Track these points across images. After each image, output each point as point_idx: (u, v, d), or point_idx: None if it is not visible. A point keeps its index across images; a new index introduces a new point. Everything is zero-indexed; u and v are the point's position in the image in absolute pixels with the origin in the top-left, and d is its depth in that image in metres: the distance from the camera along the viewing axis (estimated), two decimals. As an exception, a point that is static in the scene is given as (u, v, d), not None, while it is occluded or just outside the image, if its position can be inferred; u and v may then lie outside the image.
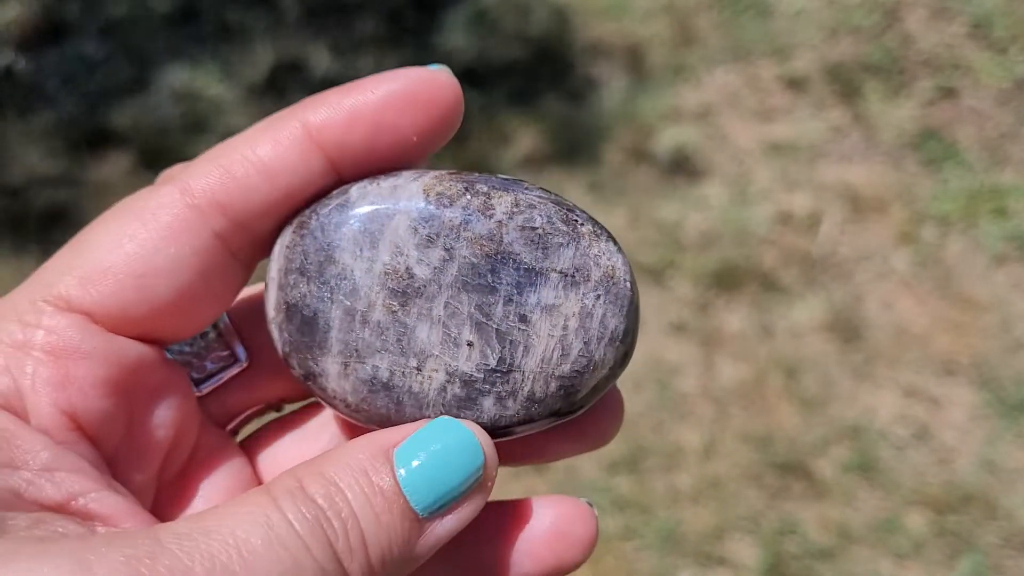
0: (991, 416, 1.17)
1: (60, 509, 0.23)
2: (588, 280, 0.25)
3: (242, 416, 0.30)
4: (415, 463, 0.23)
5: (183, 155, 1.41)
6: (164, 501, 0.27)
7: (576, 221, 0.26)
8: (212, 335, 0.29)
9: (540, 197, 0.26)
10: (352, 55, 1.55)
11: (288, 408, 0.31)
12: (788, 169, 1.41)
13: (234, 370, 0.29)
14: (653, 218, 1.35)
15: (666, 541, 1.08)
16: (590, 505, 0.28)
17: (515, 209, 0.25)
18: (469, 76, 1.53)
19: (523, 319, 0.25)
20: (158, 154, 1.41)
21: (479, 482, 0.24)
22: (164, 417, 0.26)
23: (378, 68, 1.54)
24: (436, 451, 0.24)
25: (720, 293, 1.28)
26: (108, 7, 1.57)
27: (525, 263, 0.25)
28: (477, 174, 0.26)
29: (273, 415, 0.31)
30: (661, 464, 1.13)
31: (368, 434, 0.25)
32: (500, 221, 0.25)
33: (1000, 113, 1.47)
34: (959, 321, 1.25)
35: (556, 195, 0.26)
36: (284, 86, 1.51)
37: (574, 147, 1.44)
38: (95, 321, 0.25)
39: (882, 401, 1.18)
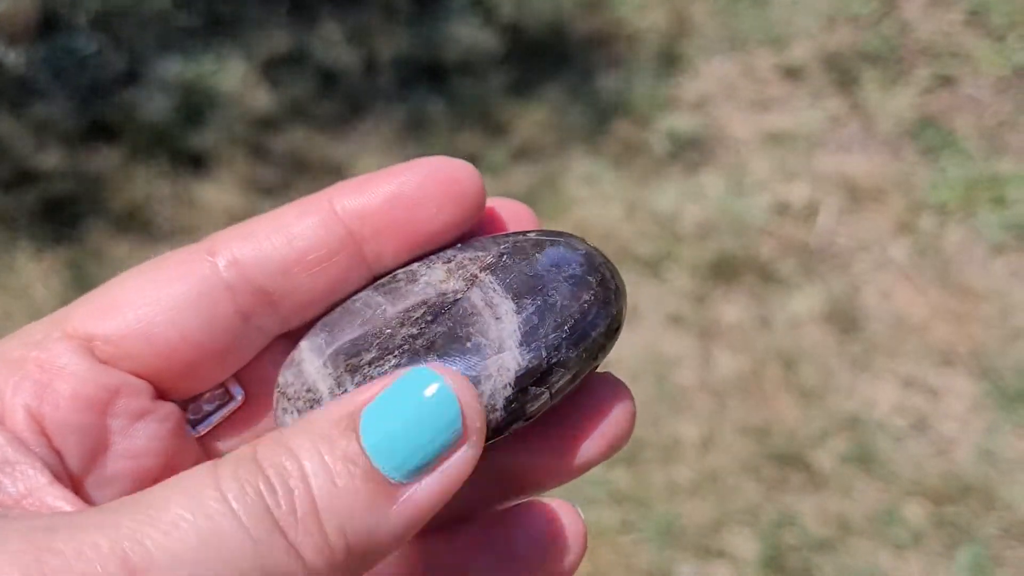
0: (990, 406, 1.17)
1: (16, 504, 0.22)
2: None
3: None
4: (383, 422, 0.21)
5: (177, 148, 1.41)
6: None
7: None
8: None
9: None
10: (348, 46, 1.54)
11: None
12: (786, 159, 1.40)
13: (230, 407, 0.28)
14: (650, 209, 1.34)
15: (665, 534, 1.07)
16: (577, 510, 0.27)
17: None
18: (464, 66, 1.52)
19: None
20: (152, 147, 1.41)
21: (458, 434, 0.22)
22: (146, 447, 0.25)
23: (374, 59, 1.53)
24: (405, 405, 0.21)
25: (718, 284, 1.27)
26: (98, 1, 1.55)
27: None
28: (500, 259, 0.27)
29: None
30: (659, 457, 1.13)
31: (338, 398, 0.23)
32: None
33: (998, 101, 1.46)
34: (958, 311, 1.25)
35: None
36: (278, 78, 1.50)
37: (570, 138, 1.43)
38: (94, 352, 0.25)
39: (881, 392, 1.18)
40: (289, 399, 0.26)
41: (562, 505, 0.26)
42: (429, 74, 1.51)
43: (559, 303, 0.25)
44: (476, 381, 0.24)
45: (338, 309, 0.27)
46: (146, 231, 1.33)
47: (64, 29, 1.53)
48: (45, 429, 0.24)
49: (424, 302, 0.26)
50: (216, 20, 1.55)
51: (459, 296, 0.25)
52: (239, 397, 0.28)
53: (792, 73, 1.50)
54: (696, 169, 1.39)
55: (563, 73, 1.52)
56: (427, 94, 1.48)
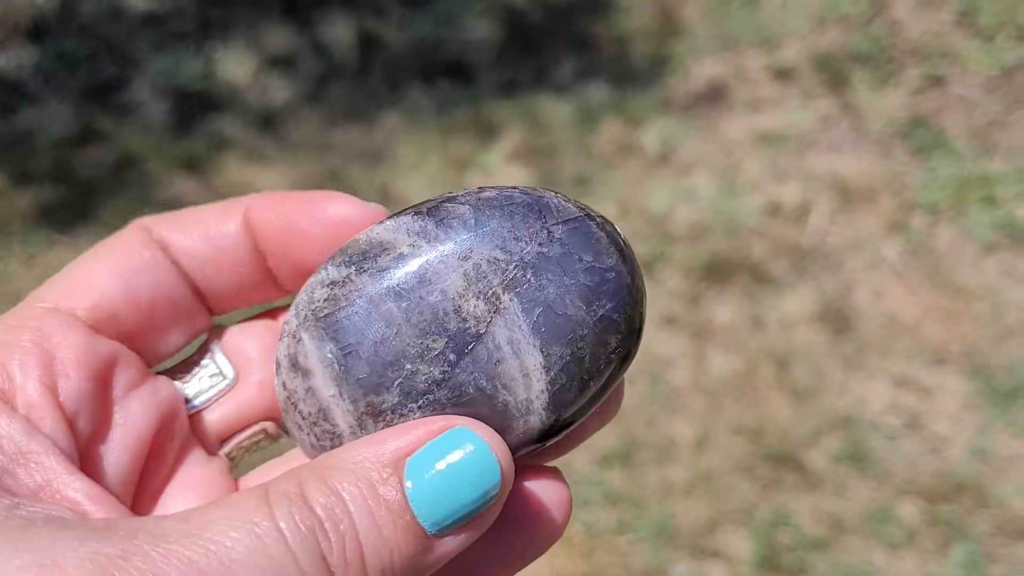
0: (982, 405, 1.17)
1: (34, 495, 0.23)
2: None
3: (237, 440, 0.30)
4: (427, 476, 0.22)
5: (167, 152, 1.40)
6: (143, 510, 0.27)
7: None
8: (196, 355, 0.30)
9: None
10: (337, 50, 1.54)
11: (285, 439, 0.31)
12: (777, 160, 1.40)
13: (222, 387, 0.29)
14: (642, 210, 1.35)
15: (659, 534, 1.07)
16: (560, 474, 0.27)
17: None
18: (455, 68, 1.52)
19: None
20: (144, 151, 1.40)
21: (496, 499, 0.23)
22: (143, 417, 0.26)
23: (367, 61, 1.53)
24: (451, 464, 0.22)
25: (711, 285, 1.27)
26: (89, 5, 1.55)
27: None
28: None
29: (267, 444, 0.31)
30: (654, 457, 1.13)
31: (376, 435, 0.23)
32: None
33: (988, 101, 1.47)
34: (949, 310, 1.25)
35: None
36: (268, 82, 1.50)
37: (562, 139, 1.44)
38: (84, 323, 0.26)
39: (873, 391, 1.18)
40: (304, 418, 0.26)
41: (548, 473, 0.26)
42: (422, 76, 1.51)
43: (587, 358, 0.24)
44: (502, 434, 0.24)
45: (342, 295, 0.25)
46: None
47: (56, 33, 1.52)
48: (59, 401, 0.25)
49: (443, 327, 0.24)
50: (208, 24, 1.55)
51: (482, 331, 0.24)
52: (231, 377, 0.29)
53: (783, 74, 1.51)
54: (688, 170, 1.40)
55: (555, 74, 1.52)
56: (418, 96, 1.48)
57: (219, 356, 0.29)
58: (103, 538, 0.20)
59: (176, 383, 0.29)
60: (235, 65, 1.51)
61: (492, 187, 0.25)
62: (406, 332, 0.24)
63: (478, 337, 0.24)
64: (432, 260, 0.24)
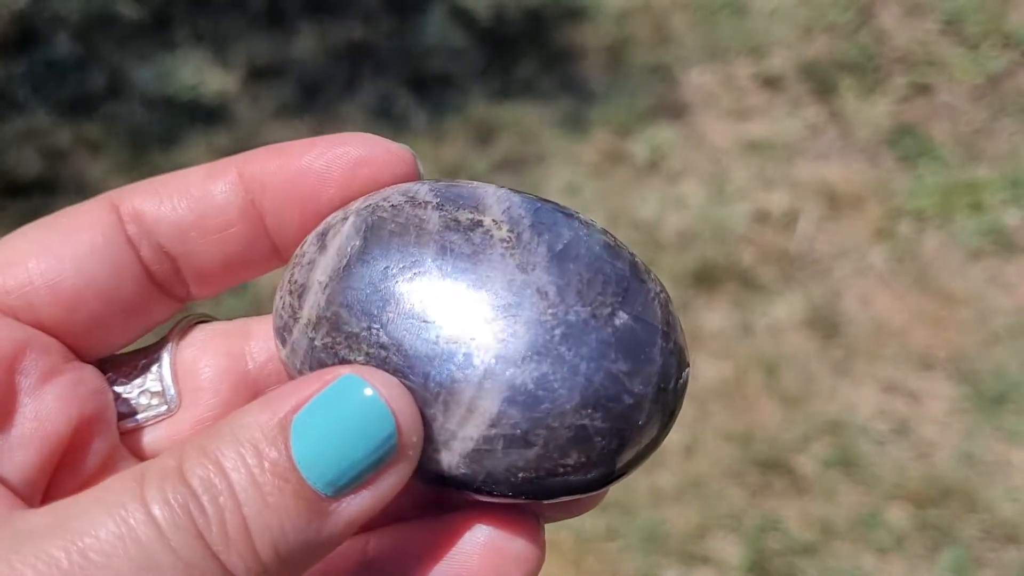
0: (970, 410, 1.18)
1: None
2: None
3: None
4: (313, 432, 0.20)
5: (158, 162, 1.40)
6: None
7: None
8: (144, 365, 0.26)
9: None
10: (327, 59, 1.54)
11: None
12: (765, 167, 1.41)
13: (160, 412, 0.26)
14: (631, 218, 1.35)
15: (649, 541, 1.07)
16: (536, 519, 0.24)
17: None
18: (445, 78, 1.52)
19: None
20: (132, 161, 1.40)
21: (393, 450, 0.20)
22: (56, 410, 0.23)
23: (356, 70, 1.54)
24: (337, 416, 0.20)
25: (699, 292, 1.28)
26: (80, 13, 1.55)
27: None
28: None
29: None
30: (643, 463, 1.13)
31: (264, 396, 0.21)
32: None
33: (974, 109, 1.48)
34: (937, 316, 1.26)
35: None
36: (258, 91, 1.50)
37: (552, 147, 1.44)
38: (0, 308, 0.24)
39: (862, 396, 1.19)
40: (288, 282, 0.24)
41: (521, 520, 0.23)
42: (411, 84, 1.51)
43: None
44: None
45: (409, 216, 0.23)
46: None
47: (45, 42, 1.52)
48: None
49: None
50: (197, 33, 1.55)
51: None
52: (172, 403, 0.26)
53: (771, 82, 1.52)
54: (677, 178, 1.40)
55: (544, 83, 1.52)
56: (409, 104, 1.49)
57: (166, 372, 0.26)
58: None
59: (116, 388, 0.26)
60: (225, 74, 1.51)
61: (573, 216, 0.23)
62: (406, 308, 0.22)
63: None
64: (516, 280, 0.22)
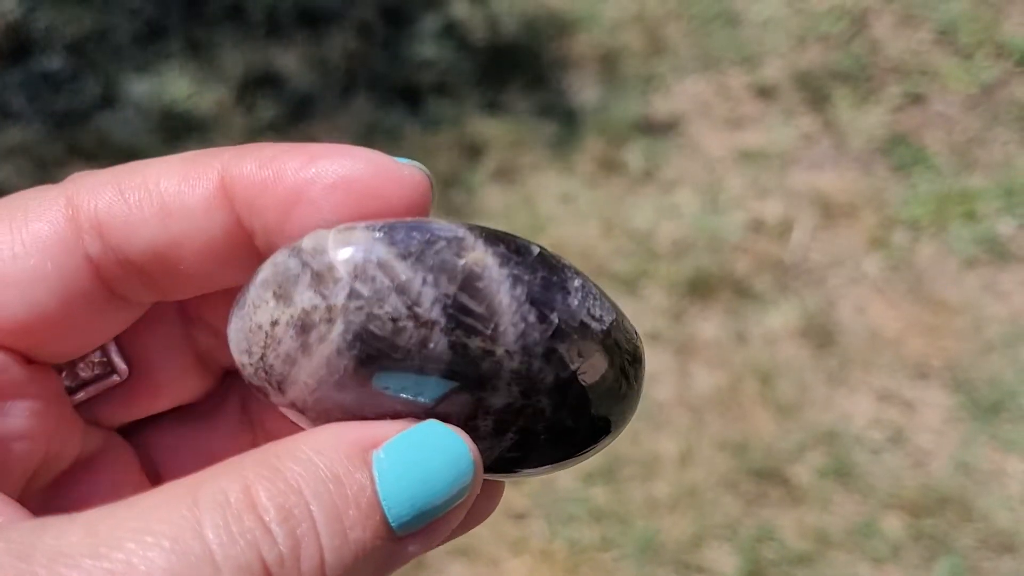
0: (965, 418, 1.18)
1: None
2: None
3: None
4: (397, 469, 0.19)
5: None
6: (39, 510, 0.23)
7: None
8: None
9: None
10: (322, 69, 1.54)
11: None
12: (759, 177, 1.41)
13: (111, 382, 0.24)
14: (626, 227, 1.35)
15: (644, 551, 1.07)
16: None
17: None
18: (439, 88, 1.52)
19: None
20: (127, 171, 1.40)
21: (465, 495, 0.20)
22: (24, 427, 0.22)
23: (350, 81, 1.54)
24: (424, 457, 0.19)
25: (694, 301, 1.28)
26: (74, 24, 1.55)
27: None
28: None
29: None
30: (638, 473, 1.13)
31: (336, 425, 0.20)
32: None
33: (967, 118, 1.49)
34: (931, 324, 1.26)
35: None
36: (254, 102, 1.50)
37: (546, 157, 1.44)
38: None
39: (857, 405, 1.19)
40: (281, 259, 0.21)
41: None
42: (404, 95, 1.51)
43: None
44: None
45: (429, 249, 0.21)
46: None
47: (38, 53, 1.53)
48: None
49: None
50: (192, 44, 1.55)
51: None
52: (122, 372, 0.24)
53: (764, 92, 1.52)
54: (671, 187, 1.40)
55: (538, 93, 1.53)
56: (403, 115, 1.49)
57: (112, 345, 0.24)
58: None
59: (57, 369, 0.24)
60: (220, 85, 1.51)
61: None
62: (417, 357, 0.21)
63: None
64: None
